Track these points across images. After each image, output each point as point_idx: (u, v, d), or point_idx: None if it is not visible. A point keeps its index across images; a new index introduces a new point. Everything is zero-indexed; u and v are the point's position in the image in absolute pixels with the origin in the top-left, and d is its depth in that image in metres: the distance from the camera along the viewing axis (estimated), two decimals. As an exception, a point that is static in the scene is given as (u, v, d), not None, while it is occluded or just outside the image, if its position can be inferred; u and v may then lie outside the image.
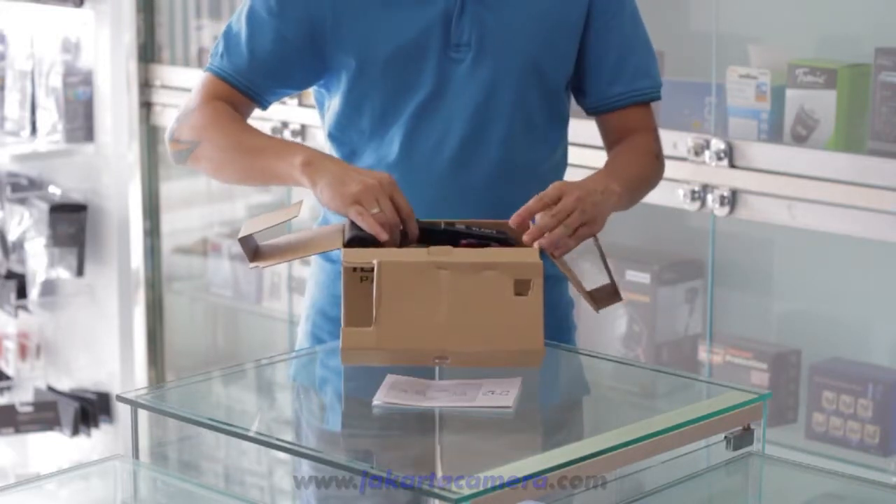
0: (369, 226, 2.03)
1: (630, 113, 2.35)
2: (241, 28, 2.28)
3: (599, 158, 2.41)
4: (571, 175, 2.43)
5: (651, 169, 2.35)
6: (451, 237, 2.07)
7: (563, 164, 2.37)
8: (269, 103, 2.33)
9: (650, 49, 2.36)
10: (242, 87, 2.28)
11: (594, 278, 2.23)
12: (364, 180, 2.07)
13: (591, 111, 2.37)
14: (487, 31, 2.23)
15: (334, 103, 2.31)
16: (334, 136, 2.32)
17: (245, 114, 2.32)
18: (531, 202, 2.08)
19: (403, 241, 2.07)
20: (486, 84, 2.24)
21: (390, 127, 2.26)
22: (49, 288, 4.39)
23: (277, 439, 1.91)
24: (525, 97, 2.26)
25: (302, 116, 3.72)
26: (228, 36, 2.30)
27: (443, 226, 2.11)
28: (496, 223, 2.12)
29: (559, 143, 2.34)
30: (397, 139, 2.25)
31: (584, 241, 2.11)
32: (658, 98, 2.37)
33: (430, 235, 2.08)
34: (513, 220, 2.08)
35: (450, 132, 2.24)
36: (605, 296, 2.16)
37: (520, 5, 2.25)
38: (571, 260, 2.17)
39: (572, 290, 2.45)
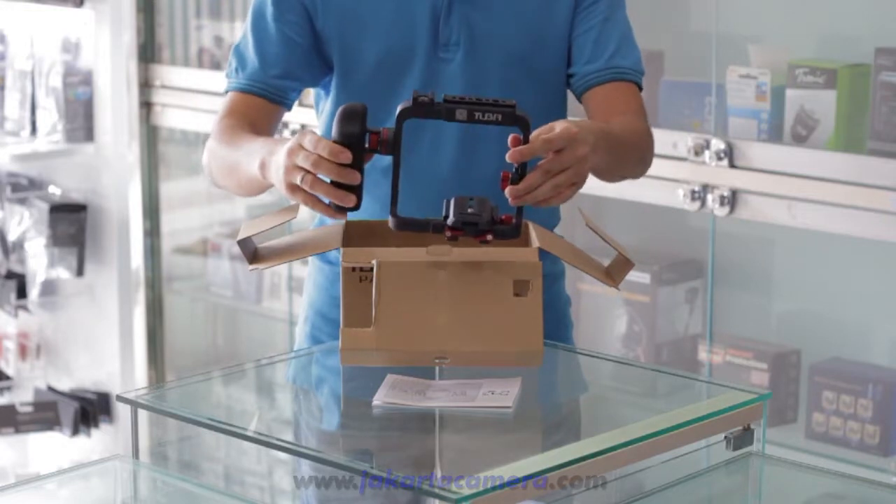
0: (314, 208, 2.01)
1: (612, 90, 2.28)
2: (248, 39, 2.30)
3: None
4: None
5: (642, 140, 2.26)
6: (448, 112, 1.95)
7: None
8: (293, 102, 2.34)
9: (631, 39, 2.32)
10: (261, 91, 2.29)
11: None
12: (285, 162, 2.00)
13: (577, 94, 2.32)
14: (476, 30, 2.24)
15: (326, 106, 2.31)
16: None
17: (273, 120, 2.32)
18: (536, 143, 1.92)
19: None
20: (477, 82, 2.24)
21: (381, 123, 2.25)
22: (49, 288, 4.39)
23: (277, 439, 1.91)
24: (518, 93, 2.25)
25: (302, 116, 3.72)
26: (237, 52, 2.32)
27: (443, 100, 1.97)
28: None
29: (559, 111, 2.33)
30: None
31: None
32: (639, 82, 2.31)
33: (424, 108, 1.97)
34: (511, 156, 1.93)
35: (444, 134, 2.24)
36: (618, 268, 2.11)
37: (507, 2, 2.25)
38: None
39: (570, 287, 2.45)
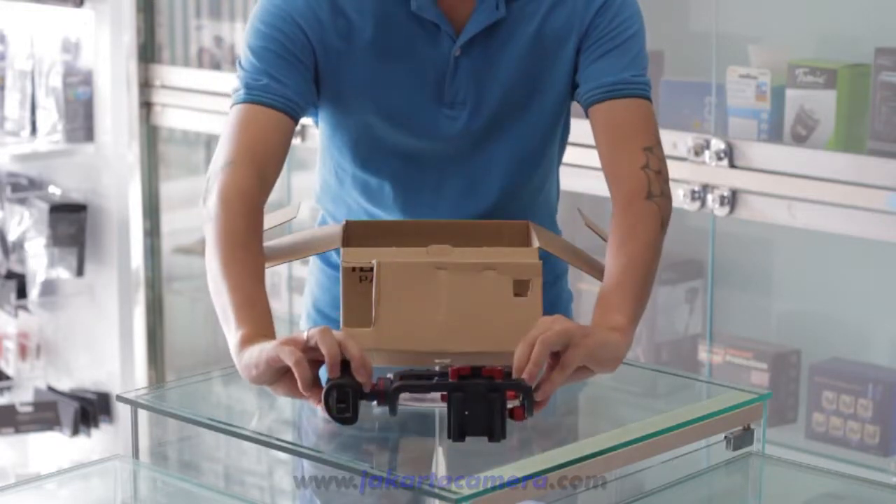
0: (289, 391, 1.83)
1: (617, 108, 2.17)
2: (252, 60, 2.15)
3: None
4: (572, 174, 2.42)
5: (650, 228, 2.09)
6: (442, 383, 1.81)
7: (557, 182, 2.36)
8: (301, 116, 2.17)
9: (638, 49, 2.21)
10: (277, 102, 2.11)
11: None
12: (290, 338, 1.85)
13: (584, 108, 2.22)
14: (484, 90, 2.17)
15: (320, 133, 2.28)
16: (323, 161, 2.31)
17: (285, 135, 2.13)
18: (538, 352, 1.82)
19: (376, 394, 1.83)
20: (485, 136, 2.20)
21: (373, 175, 2.22)
22: (49, 288, 4.39)
23: (277, 439, 1.91)
24: (523, 139, 2.23)
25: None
26: (245, 69, 2.15)
27: (437, 368, 1.83)
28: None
29: (558, 162, 2.32)
30: (388, 187, 2.23)
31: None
32: (644, 89, 2.19)
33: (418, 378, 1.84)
34: (529, 376, 1.82)
35: (447, 180, 2.22)
36: None
37: (512, 54, 2.17)
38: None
39: (576, 288, 2.45)
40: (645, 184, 2.10)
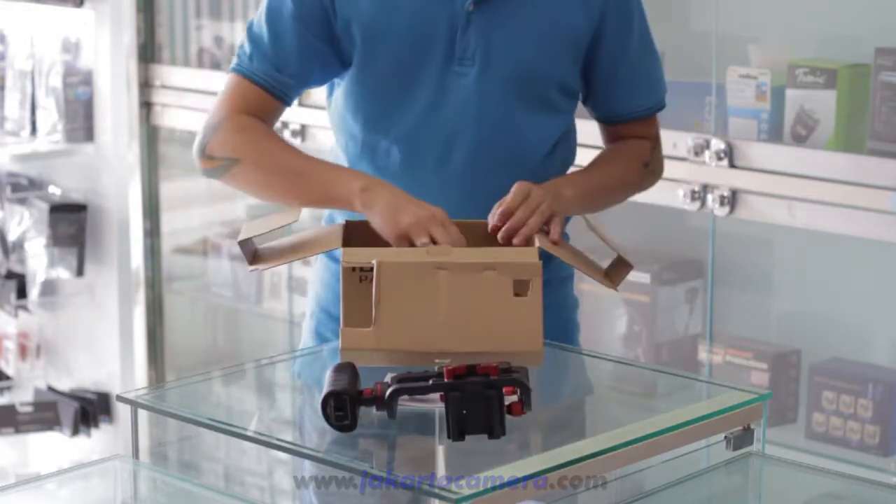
0: None
1: (633, 125, 2.38)
2: (264, 30, 2.25)
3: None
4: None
5: (632, 175, 2.36)
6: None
7: (573, 146, 2.39)
8: (294, 100, 2.32)
9: (656, 62, 2.37)
10: (272, 87, 2.26)
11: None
12: (417, 212, 2.08)
13: (596, 118, 2.40)
14: (493, 45, 2.20)
15: (338, 94, 2.30)
16: (336, 139, 2.32)
17: (274, 115, 2.30)
18: (510, 202, 2.11)
19: None
20: (492, 97, 2.22)
21: (383, 137, 2.24)
22: (49, 288, 4.39)
23: (277, 439, 1.91)
24: (529, 104, 2.24)
25: (302, 116, 3.72)
26: (253, 38, 2.27)
27: (436, 368, 1.87)
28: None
29: (567, 127, 2.34)
30: (395, 150, 2.24)
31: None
32: (661, 108, 2.39)
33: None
34: (494, 227, 2.10)
35: (454, 145, 2.23)
36: (617, 270, 2.14)
37: (526, 18, 2.21)
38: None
39: (577, 289, 2.45)
40: (644, 154, 2.38)
